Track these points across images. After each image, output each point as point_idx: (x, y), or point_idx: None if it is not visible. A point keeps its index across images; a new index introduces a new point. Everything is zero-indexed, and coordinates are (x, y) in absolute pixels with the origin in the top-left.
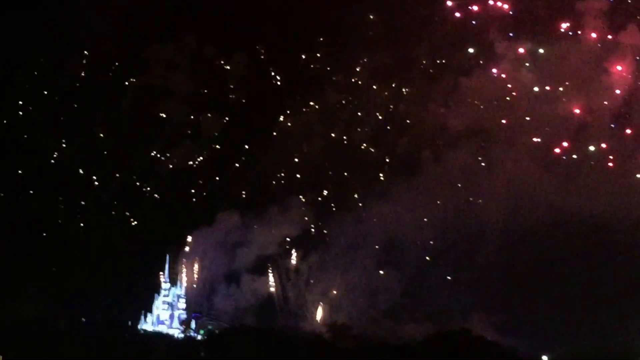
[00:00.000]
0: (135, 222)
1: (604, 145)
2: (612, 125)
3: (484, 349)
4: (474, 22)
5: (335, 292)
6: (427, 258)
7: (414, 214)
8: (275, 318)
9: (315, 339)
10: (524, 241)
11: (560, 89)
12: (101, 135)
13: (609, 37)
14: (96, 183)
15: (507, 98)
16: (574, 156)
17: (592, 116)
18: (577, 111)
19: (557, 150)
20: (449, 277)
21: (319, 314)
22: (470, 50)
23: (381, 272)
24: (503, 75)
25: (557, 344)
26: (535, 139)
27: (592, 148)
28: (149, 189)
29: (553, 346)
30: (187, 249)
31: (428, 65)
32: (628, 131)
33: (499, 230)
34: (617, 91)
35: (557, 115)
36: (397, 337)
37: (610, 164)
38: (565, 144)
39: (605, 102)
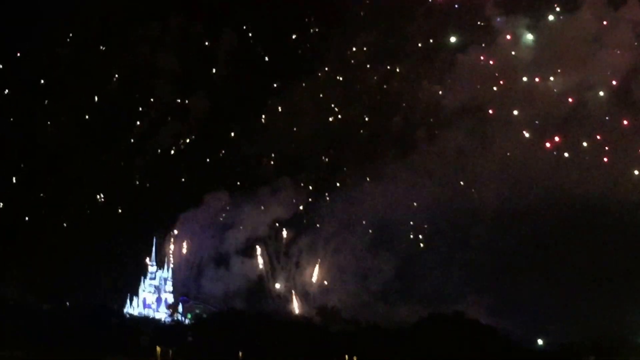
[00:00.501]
0: (121, 204)
1: (601, 124)
2: (610, 103)
3: (477, 332)
4: None
5: (326, 274)
6: (420, 238)
7: (407, 194)
8: (265, 302)
9: (306, 323)
10: (518, 222)
11: (558, 65)
12: (85, 116)
13: (608, 12)
14: (80, 165)
15: (504, 75)
16: (571, 135)
17: (589, 94)
18: (574, 89)
19: (553, 128)
20: (442, 259)
21: (310, 297)
22: (466, 26)
23: (373, 254)
24: (500, 52)
25: (552, 327)
26: (531, 117)
27: (589, 127)
28: (135, 170)
29: (548, 329)
30: (174, 231)
31: (422, 43)
32: (625, 111)
33: (493, 210)
34: (616, 68)
35: (554, 93)
36: (389, 320)
37: (607, 144)
38: (561, 122)
39: (603, 79)
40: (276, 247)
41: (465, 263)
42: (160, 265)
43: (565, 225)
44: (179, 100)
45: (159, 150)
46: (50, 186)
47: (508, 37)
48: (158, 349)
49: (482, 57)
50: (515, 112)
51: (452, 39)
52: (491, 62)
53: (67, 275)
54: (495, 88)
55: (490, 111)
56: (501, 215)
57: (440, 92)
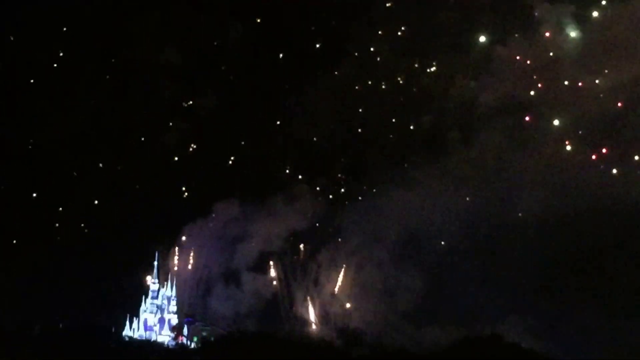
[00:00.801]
0: (121, 215)
1: None
2: None
3: (518, 357)
4: None
5: (348, 293)
6: (453, 251)
7: (439, 202)
8: (280, 323)
9: (326, 347)
10: (564, 233)
11: (607, 58)
12: (82, 117)
13: None
14: (76, 172)
15: (547, 69)
16: (622, 134)
17: None
18: (626, 84)
19: (600, 136)
20: (477, 275)
21: (330, 318)
22: (505, 16)
23: (401, 269)
24: (542, 44)
25: (604, 352)
26: (575, 121)
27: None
28: (136, 177)
29: (599, 354)
30: (179, 244)
31: (455, 35)
32: None
33: (535, 220)
34: None
35: (603, 89)
36: (418, 344)
37: None
38: (612, 121)
39: None
40: (292, 263)
41: (504, 279)
42: (163, 282)
43: (619, 237)
44: (184, 101)
45: (162, 155)
46: (39, 195)
47: (551, 29)
48: None
49: (521, 51)
50: (558, 114)
51: (488, 31)
52: (532, 57)
53: (60, 295)
54: (536, 86)
55: (531, 112)
56: (544, 226)
57: (475, 90)
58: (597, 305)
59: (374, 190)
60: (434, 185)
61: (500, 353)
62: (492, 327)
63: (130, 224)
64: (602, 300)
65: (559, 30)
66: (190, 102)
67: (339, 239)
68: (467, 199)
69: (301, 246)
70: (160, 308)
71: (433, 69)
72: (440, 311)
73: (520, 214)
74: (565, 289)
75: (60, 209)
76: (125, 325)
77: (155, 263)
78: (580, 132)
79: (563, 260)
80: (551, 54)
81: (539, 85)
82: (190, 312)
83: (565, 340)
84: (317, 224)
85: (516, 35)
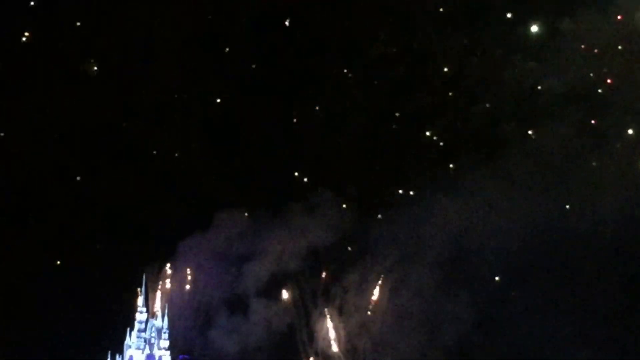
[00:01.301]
0: (100, 229)
1: None
2: None
3: None
4: None
5: (381, 323)
6: (510, 272)
7: (493, 212)
8: None
9: None
10: None
11: None
12: (52, 112)
13: None
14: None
15: (626, 49)
16: None
17: None
18: None
19: None
20: (540, 300)
21: (358, 354)
22: None
23: (445, 295)
24: (619, 17)
25: None
26: None
27: None
28: (118, 182)
29: None
30: (172, 264)
31: (510, 5)
32: None
33: (614, 233)
34: None
35: None
36: None
37: None
38: None
39: None
40: (312, 286)
41: (576, 307)
42: (152, 311)
43: None
44: (181, 94)
45: (152, 156)
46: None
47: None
48: None
49: (593, 27)
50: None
51: (552, 2)
52: (606, 35)
53: (27, 329)
54: (611, 69)
55: (604, 100)
56: (625, 240)
57: (536, 74)
58: None
59: (413, 197)
60: (487, 191)
61: None
62: None
63: (112, 239)
64: None
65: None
66: (190, 94)
67: (370, 258)
68: (528, 207)
69: (323, 266)
70: (149, 342)
71: (484, 49)
72: (494, 346)
73: (595, 226)
74: None
75: (30, 220)
76: None
77: (143, 288)
78: None
79: None
80: (629, 30)
81: (615, 68)
82: (186, 347)
83: None
84: (343, 240)
85: (587, 7)
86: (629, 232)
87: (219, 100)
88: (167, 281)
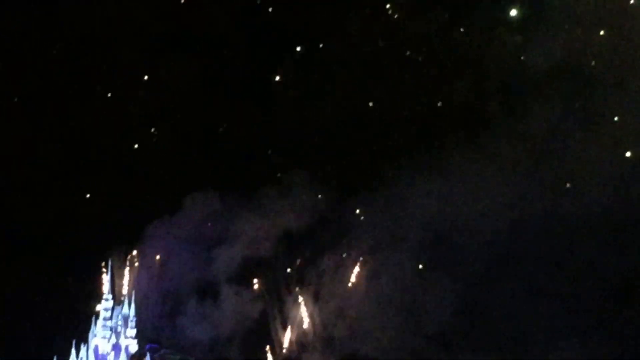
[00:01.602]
0: (62, 212)
1: None
2: None
3: None
4: None
5: (358, 311)
6: (495, 257)
7: (477, 194)
8: (270, 350)
9: None
10: None
11: None
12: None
13: None
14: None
15: (618, 21)
16: None
17: None
18: None
19: None
20: (526, 288)
21: (335, 343)
22: None
23: (426, 281)
24: None
25: None
26: None
27: None
28: (81, 163)
29: None
30: (139, 249)
31: None
32: None
33: (605, 217)
34: None
35: None
36: None
37: None
38: None
39: None
40: (286, 272)
41: (562, 294)
42: (118, 299)
43: None
44: (146, 70)
45: (122, 138)
46: None
47: None
48: None
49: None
50: (631, 79)
51: None
52: (598, 5)
53: None
54: (603, 43)
55: (596, 76)
56: (616, 225)
57: (522, 48)
58: None
59: (393, 178)
60: (471, 172)
61: None
62: (542, 354)
63: (75, 223)
64: None
65: None
66: (157, 67)
67: (347, 242)
68: (514, 188)
69: (299, 251)
70: (115, 331)
71: (466, 23)
72: (477, 333)
73: (585, 209)
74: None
75: None
76: (70, 354)
77: (109, 274)
78: None
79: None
80: (618, 4)
81: (607, 42)
82: (154, 336)
83: None
84: (319, 223)
85: None
86: (619, 217)
87: (186, 81)
88: (135, 267)
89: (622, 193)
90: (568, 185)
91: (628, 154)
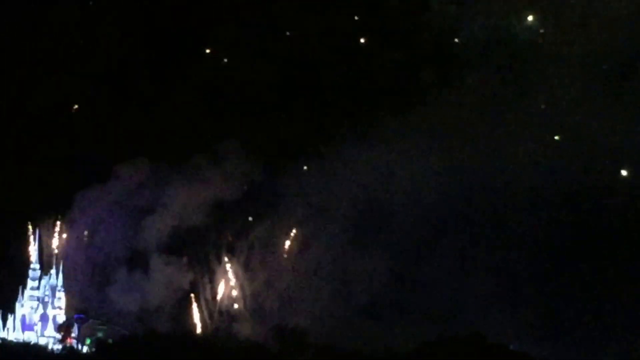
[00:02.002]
0: None
1: None
2: None
3: None
4: None
5: (289, 281)
6: (427, 229)
7: (410, 165)
8: (200, 320)
9: (258, 351)
10: (570, 209)
11: None
12: None
13: None
14: None
15: None
16: None
17: None
18: None
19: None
20: (457, 259)
21: (265, 313)
22: None
23: (358, 251)
24: None
25: (614, 356)
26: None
27: None
28: (9, 127)
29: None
30: (68, 218)
31: None
32: None
33: (534, 192)
34: None
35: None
36: (379, 346)
37: None
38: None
39: None
40: (217, 242)
41: (491, 266)
42: (46, 268)
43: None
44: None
45: (50, 102)
46: None
47: None
48: None
49: None
50: (566, 50)
51: None
52: None
53: None
54: (537, 12)
55: (530, 47)
56: (544, 200)
57: (456, 17)
58: (601, 301)
59: (325, 148)
60: (404, 143)
61: (482, 356)
62: (473, 324)
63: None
64: (607, 295)
65: None
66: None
67: (278, 212)
68: (447, 160)
69: (230, 220)
70: (42, 301)
71: None
72: (409, 305)
73: (514, 180)
74: (564, 280)
75: None
76: None
77: (36, 243)
78: (596, 74)
79: (565, 244)
80: None
81: (541, 11)
82: (81, 306)
83: (565, 343)
84: (250, 193)
85: None
86: (551, 189)
87: (120, 48)
88: (63, 236)
89: (556, 165)
90: (502, 155)
91: (560, 126)
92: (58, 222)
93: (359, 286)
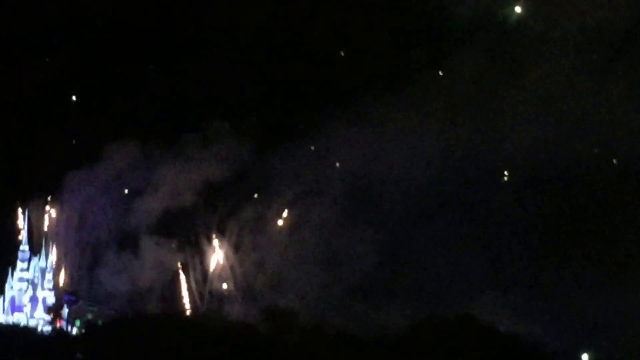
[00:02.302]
0: None
1: None
2: None
3: (494, 344)
4: None
5: (278, 261)
6: (417, 208)
7: (400, 143)
8: (190, 301)
9: (247, 332)
10: (562, 186)
11: None
12: None
13: None
14: None
15: None
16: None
17: None
18: None
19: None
20: (447, 240)
21: (255, 294)
22: None
23: (348, 232)
24: None
25: (602, 337)
26: (584, 27)
27: None
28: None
29: (597, 340)
30: (57, 199)
31: None
32: None
33: (525, 169)
34: None
35: None
36: (368, 327)
37: None
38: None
39: None
40: (207, 223)
41: (481, 245)
42: (35, 250)
43: (629, 197)
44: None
45: (39, 82)
46: None
47: None
48: None
49: None
50: (557, 24)
51: None
52: None
53: None
54: None
55: (521, 23)
56: (535, 177)
57: None
58: (592, 283)
59: (315, 128)
60: (394, 121)
61: (472, 337)
62: (463, 306)
63: None
64: (598, 277)
65: None
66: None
67: (269, 193)
68: (437, 139)
69: (220, 201)
70: (32, 283)
71: None
72: (398, 285)
73: (504, 160)
74: (555, 262)
75: None
76: None
77: (25, 225)
78: (587, 51)
79: (556, 226)
80: None
81: None
82: (71, 288)
83: (554, 323)
84: (240, 174)
85: None
86: (543, 168)
87: (109, 25)
88: (52, 217)
89: (548, 146)
90: (492, 135)
91: (551, 104)
92: (48, 204)
93: (349, 267)
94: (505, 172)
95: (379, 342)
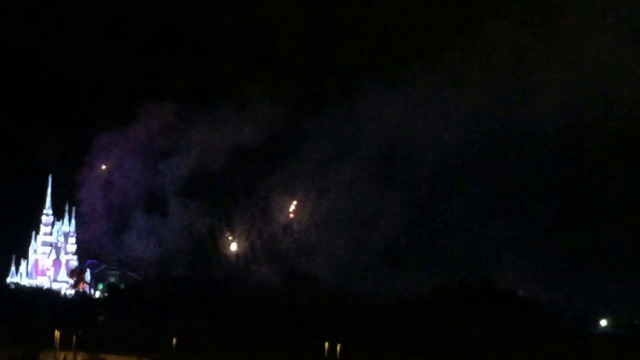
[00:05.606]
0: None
1: None
2: None
3: (513, 308)
4: None
5: (306, 224)
6: (445, 173)
7: (431, 108)
8: (216, 264)
9: (269, 294)
10: (592, 151)
11: None
12: None
13: None
14: None
15: None
16: None
17: None
18: None
19: None
20: (472, 206)
21: (281, 256)
22: None
23: (376, 195)
24: None
25: (621, 303)
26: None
27: None
28: (33, 70)
29: (615, 306)
30: (84, 162)
31: None
32: None
33: (554, 135)
34: None
35: None
36: (390, 290)
37: None
38: None
39: None
40: (236, 186)
41: (506, 212)
42: (59, 214)
43: None
44: None
45: (72, 44)
46: None
47: None
48: (57, 333)
49: None
50: None
51: None
52: None
53: None
54: None
55: None
56: (564, 143)
57: None
58: (608, 250)
59: (347, 91)
60: (426, 86)
61: (491, 302)
62: (482, 271)
63: (15, 136)
64: (615, 245)
65: None
66: None
67: (298, 155)
68: (468, 104)
69: (250, 165)
70: (55, 247)
71: None
72: (423, 249)
73: (538, 126)
74: (574, 229)
75: None
76: (10, 269)
77: (49, 188)
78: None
79: (578, 195)
80: None
81: None
82: (94, 252)
83: (573, 289)
84: (272, 136)
85: None
86: (571, 134)
87: None
88: (78, 180)
89: (576, 112)
90: (525, 102)
91: (584, 71)
92: (74, 168)
93: (378, 231)
94: (532, 141)
95: (399, 306)
